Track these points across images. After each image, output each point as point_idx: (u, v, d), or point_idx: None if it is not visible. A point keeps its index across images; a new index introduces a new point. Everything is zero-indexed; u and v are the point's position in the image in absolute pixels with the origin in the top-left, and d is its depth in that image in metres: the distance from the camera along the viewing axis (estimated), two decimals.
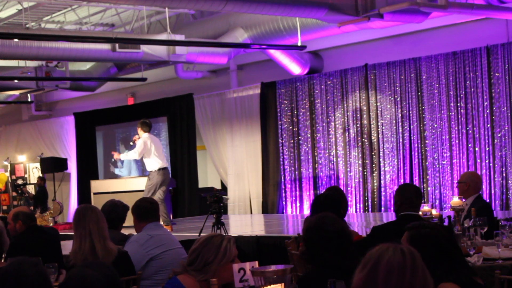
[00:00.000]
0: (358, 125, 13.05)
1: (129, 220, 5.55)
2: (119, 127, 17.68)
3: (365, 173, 12.93)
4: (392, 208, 12.28)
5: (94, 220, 4.63)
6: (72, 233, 4.79)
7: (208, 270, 3.48)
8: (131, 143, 11.82)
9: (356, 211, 12.91)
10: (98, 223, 4.64)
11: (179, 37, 12.27)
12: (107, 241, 4.63)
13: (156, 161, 11.07)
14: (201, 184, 15.83)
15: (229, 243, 3.54)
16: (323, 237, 3.49)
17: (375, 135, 12.79)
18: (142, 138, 11.13)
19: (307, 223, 3.69)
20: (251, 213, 14.50)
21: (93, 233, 4.59)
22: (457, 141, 11.81)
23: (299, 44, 11.71)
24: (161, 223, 9.83)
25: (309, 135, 13.80)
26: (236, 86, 15.22)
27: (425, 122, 12.17)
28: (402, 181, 12.24)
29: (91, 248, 4.54)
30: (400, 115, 12.47)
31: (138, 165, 16.23)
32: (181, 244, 5.34)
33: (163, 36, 12.21)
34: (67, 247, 4.84)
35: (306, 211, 13.64)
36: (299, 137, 13.93)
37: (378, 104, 12.75)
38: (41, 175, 18.77)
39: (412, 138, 12.33)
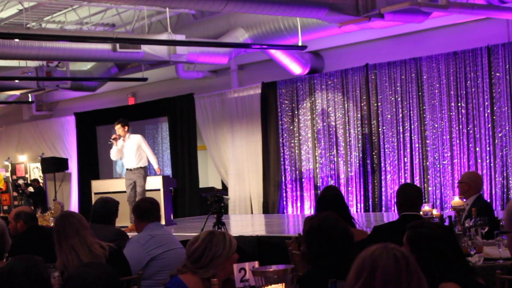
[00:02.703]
0: (358, 125, 13.05)
1: (125, 220, 5.58)
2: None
3: (366, 173, 12.93)
4: (392, 208, 12.30)
5: (74, 232, 4.46)
6: None
7: (215, 264, 3.51)
8: (110, 142, 11.68)
9: (356, 211, 12.91)
10: (79, 233, 4.46)
11: (180, 37, 12.27)
12: (93, 247, 4.48)
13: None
14: (201, 184, 15.83)
15: (230, 235, 3.66)
16: (325, 239, 3.47)
17: (376, 135, 12.79)
18: (141, 138, 11.36)
19: (308, 223, 3.66)
20: (252, 213, 14.50)
21: (75, 246, 4.42)
22: (457, 141, 11.80)
23: (299, 44, 11.71)
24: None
25: (309, 135, 13.80)
26: (236, 86, 15.22)
27: (426, 122, 12.16)
28: (402, 181, 12.24)
29: (78, 261, 4.37)
30: (400, 115, 12.47)
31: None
32: (182, 244, 5.34)
33: (163, 36, 12.21)
34: None
35: (307, 211, 13.64)
36: (300, 137, 13.93)
37: (379, 104, 12.74)
38: (40, 175, 18.85)
39: (412, 138, 12.33)
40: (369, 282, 2.23)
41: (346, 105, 13.23)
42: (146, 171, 11.39)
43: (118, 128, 11.25)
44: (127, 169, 11.34)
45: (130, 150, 11.23)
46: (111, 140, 11.39)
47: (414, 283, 2.24)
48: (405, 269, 2.24)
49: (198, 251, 3.55)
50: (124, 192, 11.23)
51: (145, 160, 11.32)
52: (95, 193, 12.72)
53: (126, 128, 11.27)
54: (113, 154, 11.41)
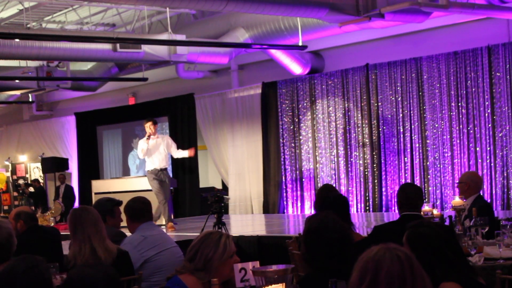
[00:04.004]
0: (359, 125, 13.05)
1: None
2: (120, 127, 17.69)
3: (366, 173, 12.93)
4: (392, 208, 12.31)
5: (92, 222, 4.59)
6: None
7: (210, 267, 3.48)
8: (147, 138, 11.41)
9: (357, 211, 12.91)
10: (96, 225, 4.60)
11: (180, 37, 12.27)
12: (106, 241, 4.61)
13: None
14: (202, 184, 15.82)
15: (228, 238, 3.56)
16: (323, 242, 3.41)
17: (376, 135, 12.79)
18: (170, 138, 11.52)
19: (307, 224, 3.62)
20: (252, 213, 14.50)
21: (92, 236, 4.54)
22: (458, 141, 11.80)
23: (300, 44, 11.71)
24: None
25: (310, 135, 13.80)
26: (237, 86, 15.22)
27: (426, 122, 12.16)
28: (403, 181, 12.24)
29: (92, 251, 4.50)
30: (401, 115, 12.47)
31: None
32: (182, 244, 5.30)
33: (164, 36, 12.21)
34: (68, 247, 4.83)
35: (307, 211, 13.64)
36: (300, 137, 13.93)
37: (379, 104, 12.74)
38: (40, 175, 18.84)
39: (413, 138, 12.32)
40: (373, 285, 2.22)
41: (346, 105, 13.23)
42: None
43: (150, 126, 11.13)
44: (154, 169, 11.09)
45: (161, 150, 11.19)
46: (146, 137, 11.13)
47: (419, 284, 2.24)
48: (409, 270, 2.24)
49: (193, 250, 3.54)
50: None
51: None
52: (96, 193, 12.72)
53: (156, 126, 11.28)
54: (144, 152, 11.10)
